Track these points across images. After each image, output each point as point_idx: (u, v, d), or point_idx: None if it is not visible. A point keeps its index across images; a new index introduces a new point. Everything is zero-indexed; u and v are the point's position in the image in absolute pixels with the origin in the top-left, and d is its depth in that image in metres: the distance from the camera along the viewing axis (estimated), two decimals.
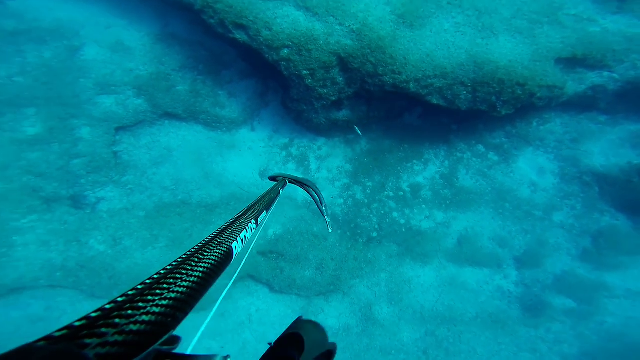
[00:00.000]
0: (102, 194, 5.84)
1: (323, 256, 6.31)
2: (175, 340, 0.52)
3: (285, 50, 6.08)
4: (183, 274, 0.61)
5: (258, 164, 6.76)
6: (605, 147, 6.78)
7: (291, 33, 6.01)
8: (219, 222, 5.87)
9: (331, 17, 6.16)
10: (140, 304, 0.48)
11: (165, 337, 0.49)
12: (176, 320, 0.52)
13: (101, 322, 0.43)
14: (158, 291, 0.53)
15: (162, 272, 0.60)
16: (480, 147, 7.14)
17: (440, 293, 6.26)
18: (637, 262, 6.27)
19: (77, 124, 6.22)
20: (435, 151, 7.16)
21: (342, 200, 6.77)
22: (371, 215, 6.71)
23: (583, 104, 7.00)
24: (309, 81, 6.28)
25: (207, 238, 0.81)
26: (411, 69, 6.17)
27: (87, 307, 5.40)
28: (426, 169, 7.04)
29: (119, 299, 0.49)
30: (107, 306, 0.47)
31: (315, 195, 1.86)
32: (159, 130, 6.68)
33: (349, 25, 6.11)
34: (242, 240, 0.90)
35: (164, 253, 5.67)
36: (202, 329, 0.72)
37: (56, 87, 6.30)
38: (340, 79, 6.42)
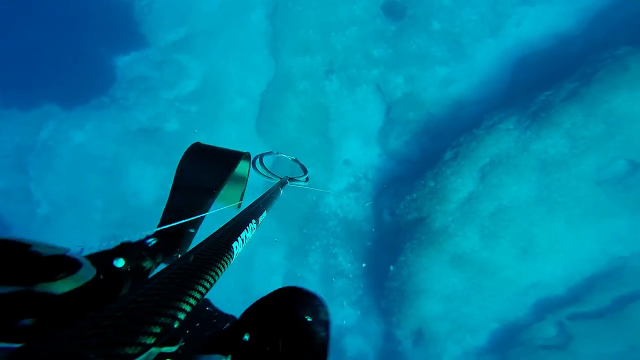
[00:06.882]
0: None
1: None
2: (176, 340, 0.52)
3: None
4: (182, 273, 0.61)
5: None
6: None
7: None
8: None
9: None
10: (142, 304, 0.49)
11: (166, 337, 0.49)
12: (177, 321, 0.52)
13: (103, 322, 0.44)
14: (159, 291, 0.54)
15: (162, 271, 0.61)
16: None
17: None
18: None
19: None
20: None
21: None
22: None
23: None
24: None
25: (208, 237, 0.81)
26: None
27: None
28: None
29: (122, 299, 0.50)
30: (110, 306, 0.48)
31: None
32: None
33: None
34: (242, 240, 0.88)
35: None
36: None
37: None
38: None
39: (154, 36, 10.86)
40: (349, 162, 9.94)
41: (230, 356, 0.65)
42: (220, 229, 0.89)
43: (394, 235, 8.58)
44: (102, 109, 10.49)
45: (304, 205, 9.91)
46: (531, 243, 6.83)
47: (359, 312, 9.61)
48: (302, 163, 2.21)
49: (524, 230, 6.77)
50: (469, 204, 7.13)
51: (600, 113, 6.18)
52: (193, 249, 0.73)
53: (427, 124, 9.52)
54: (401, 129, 9.69)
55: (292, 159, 2.26)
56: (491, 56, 9.60)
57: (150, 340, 0.46)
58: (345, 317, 9.64)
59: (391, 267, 7.98)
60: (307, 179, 2.08)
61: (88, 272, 0.60)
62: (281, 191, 1.57)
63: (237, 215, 1.03)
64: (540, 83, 7.75)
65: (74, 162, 10.24)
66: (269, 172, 1.91)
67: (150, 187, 10.14)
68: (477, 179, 7.25)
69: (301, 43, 10.48)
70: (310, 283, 9.61)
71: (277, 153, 2.19)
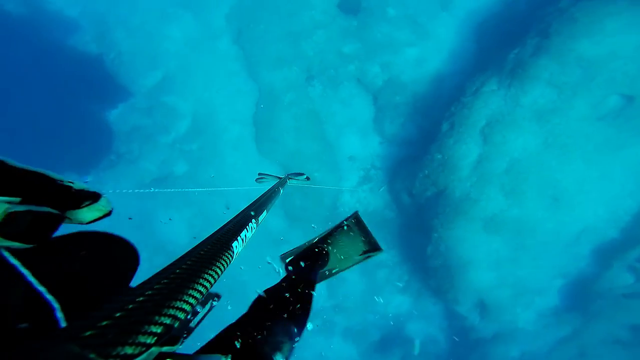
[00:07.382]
0: None
1: None
2: (176, 339, 0.53)
3: None
4: (183, 273, 0.61)
5: None
6: None
7: None
8: None
9: None
10: (142, 304, 0.50)
11: (166, 336, 0.50)
12: (177, 320, 0.53)
13: (103, 322, 0.43)
14: (159, 291, 0.54)
15: (162, 271, 0.61)
16: None
17: None
18: None
19: None
20: None
21: None
22: None
23: None
24: None
25: (207, 237, 0.82)
26: None
27: None
28: None
29: (122, 299, 0.50)
30: (110, 306, 0.48)
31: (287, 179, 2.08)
32: None
33: None
34: (242, 239, 0.89)
35: None
36: None
37: None
38: None
39: (133, 84, 11.01)
40: (354, 157, 10.40)
41: (230, 356, 0.65)
42: (220, 228, 0.90)
43: (418, 215, 8.88)
44: (112, 167, 10.76)
45: (322, 209, 10.29)
46: (558, 189, 6.71)
47: (411, 298, 9.91)
48: (297, 172, 2.44)
49: (544, 178, 6.75)
50: (481, 166, 7.44)
51: (571, 60, 6.59)
52: (193, 248, 0.74)
53: (416, 103, 10.10)
54: (393, 113, 10.23)
55: (288, 177, 2.33)
56: (451, 29, 10.29)
57: (151, 340, 0.46)
58: (399, 304, 9.93)
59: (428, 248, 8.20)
60: (307, 178, 2.26)
61: (107, 204, 0.63)
62: (281, 190, 1.61)
63: (237, 215, 1.04)
64: (505, 44, 8.35)
65: (107, 227, 10.25)
66: (268, 175, 2.11)
67: (179, 230, 10.27)
68: (480, 141, 7.75)
69: (275, 58, 10.78)
70: (352, 280, 9.96)
71: (272, 176, 2.30)
